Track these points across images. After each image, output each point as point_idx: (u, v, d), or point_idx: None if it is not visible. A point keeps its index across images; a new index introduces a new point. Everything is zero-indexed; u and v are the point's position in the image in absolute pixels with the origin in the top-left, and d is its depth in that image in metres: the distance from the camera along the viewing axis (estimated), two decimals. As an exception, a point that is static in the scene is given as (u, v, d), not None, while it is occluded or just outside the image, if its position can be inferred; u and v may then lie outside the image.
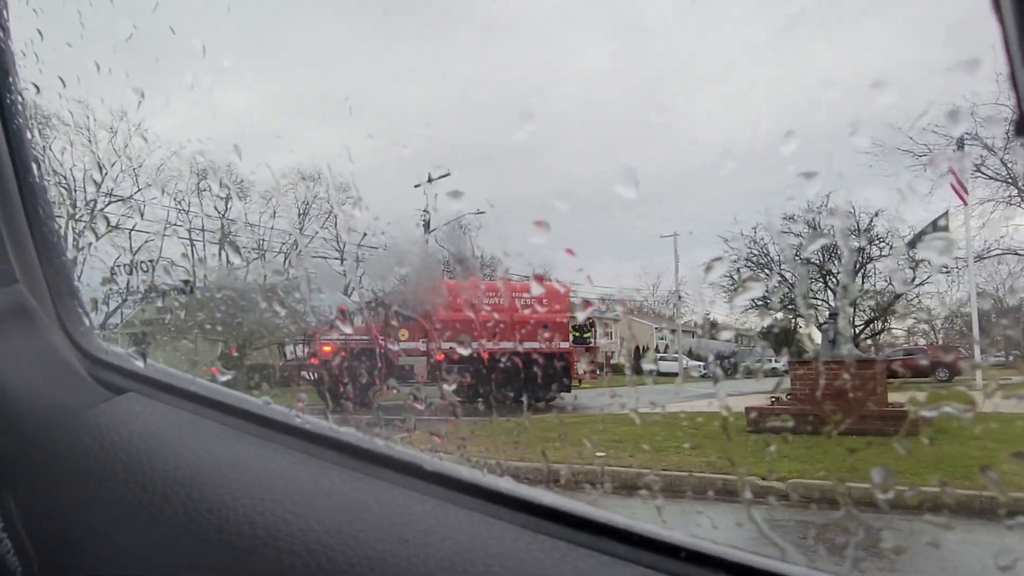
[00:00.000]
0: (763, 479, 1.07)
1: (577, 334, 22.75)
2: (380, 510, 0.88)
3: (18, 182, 1.31)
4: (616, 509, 0.86)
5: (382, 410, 1.26)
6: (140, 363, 1.26)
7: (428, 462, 0.96)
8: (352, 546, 0.83)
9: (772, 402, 8.82)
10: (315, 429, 1.06)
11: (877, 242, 32.30)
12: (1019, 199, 29.56)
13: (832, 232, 0.99)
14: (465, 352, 1.40)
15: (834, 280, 33.04)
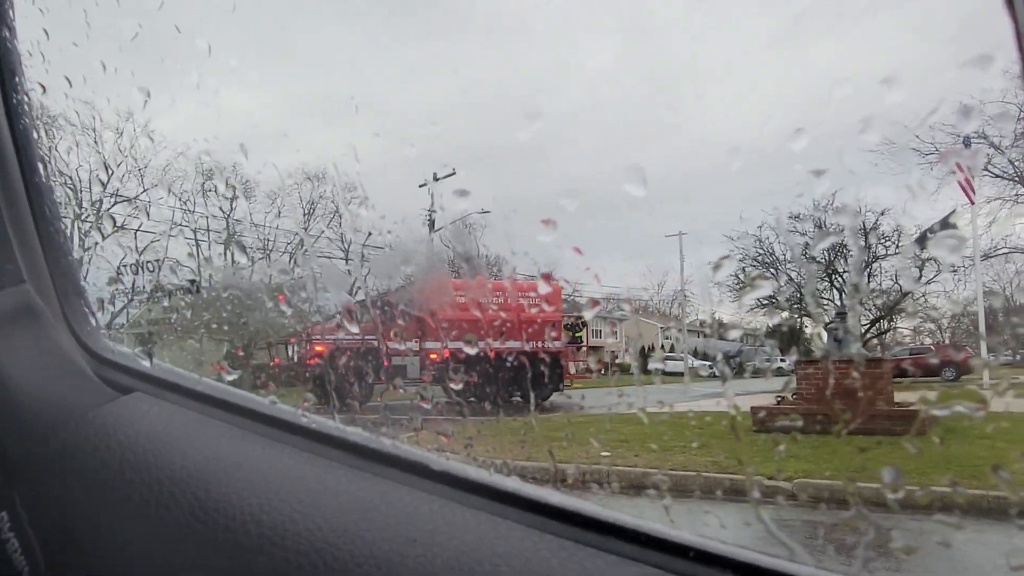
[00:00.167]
0: (770, 479, 1.07)
1: (569, 333, 22.74)
2: (387, 509, 0.88)
3: (25, 182, 1.32)
4: (623, 509, 0.85)
5: (388, 410, 1.26)
6: (146, 363, 1.26)
7: (435, 461, 0.96)
8: (359, 545, 0.83)
9: (778, 401, 8.79)
10: (321, 429, 1.06)
11: (883, 241, 32.20)
12: (1027, 197, 29.42)
13: (841, 230, 0.98)
14: (472, 351, 1.39)
15: (840, 279, 32.95)
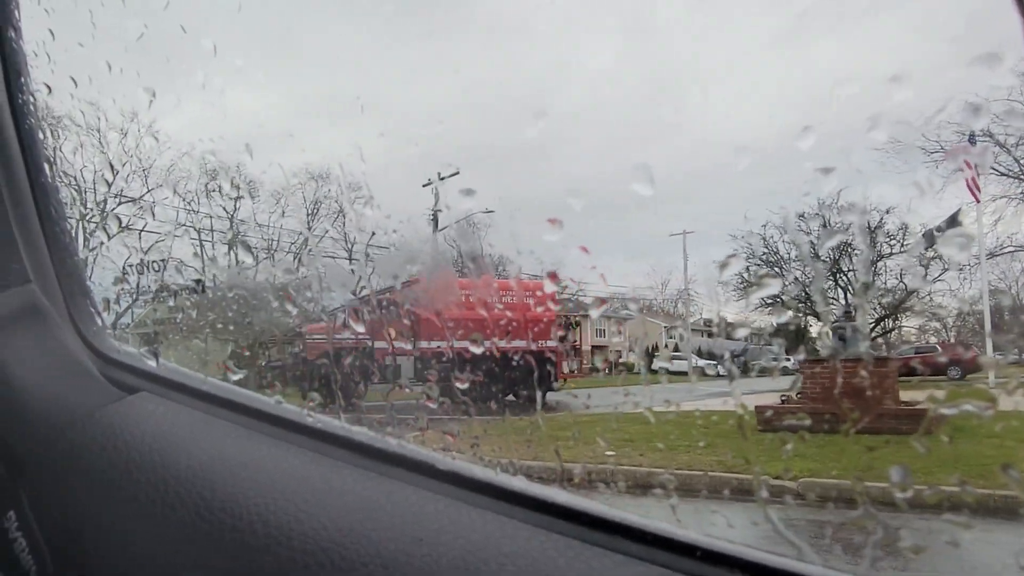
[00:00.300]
0: (777, 478, 1.06)
1: (562, 333, 22.72)
2: (393, 509, 0.88)
3: (30, 182, 1.32)
4: (629, 508, 0.85)
5: (394, 409, 1.26)
6: (152, 362, 1.26)
7: (441, 461, 0.96)
8: (365, 545, 0.83)
9: (782, 401, 8.78)
10: (327, 428, 1.06)
11: (888, 239, 32.14)
12: (1033, 195, 29.29)
13: (849, 228, 0.98)
14: (478, 350, 1.39)
15: (844, 278, 32.88)
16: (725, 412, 1.24)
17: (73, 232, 1.45)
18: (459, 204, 1.26)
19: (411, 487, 0.92)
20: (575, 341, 24.01)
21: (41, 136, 1.36)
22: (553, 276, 1.27)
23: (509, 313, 1.54)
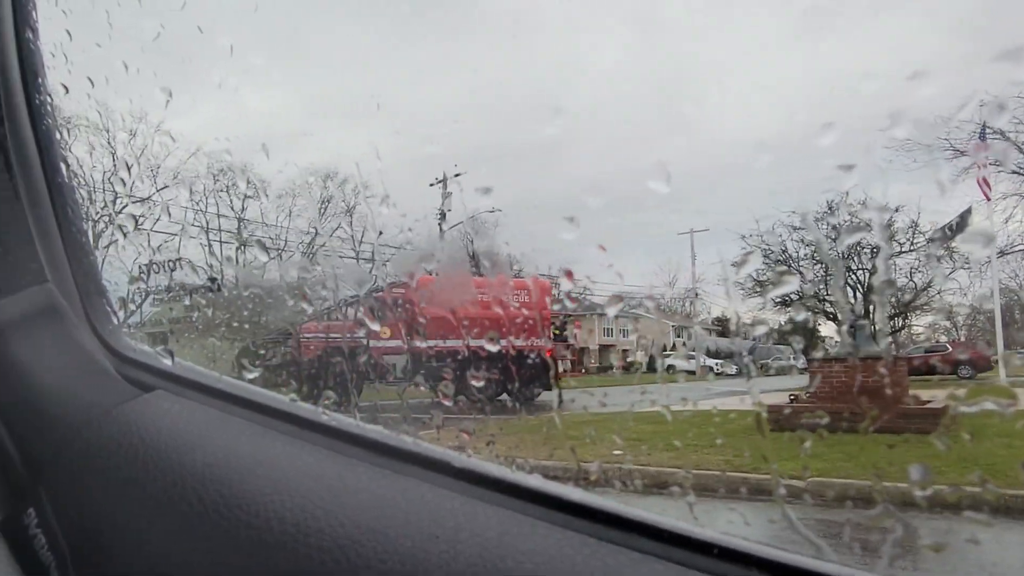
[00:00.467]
0: (794, 477, 1.06)
1: (557, 332, 22.63)
2: (408, 506, 0.88)
3: (47, 183, 1.33)
4: (646, 506, 0.85)
5: (408, 407, 1.26)
6: (168, 361, 1.27)
7: (456, 459, 0.96)
8: (382, 542, 0.83)
9: (791, 400, 8.75)
10: (341, 426, 1.06)
11: (899, 237, 32.02)
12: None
13: (868, 225, 0.97)
14: (493, 348, 1.39)
15: (854, 277, 32.75)
16: (742, 411, 1.23)
17: (89, 232, 1.46)
18: (476, 202, 1.26)
19: (426, 484, 0.92)
20: (572, 340, 23.96)
21: (58, 137, 1.37)
22: (569, 274, 1.26)
23: (525, 312, 1.54)
